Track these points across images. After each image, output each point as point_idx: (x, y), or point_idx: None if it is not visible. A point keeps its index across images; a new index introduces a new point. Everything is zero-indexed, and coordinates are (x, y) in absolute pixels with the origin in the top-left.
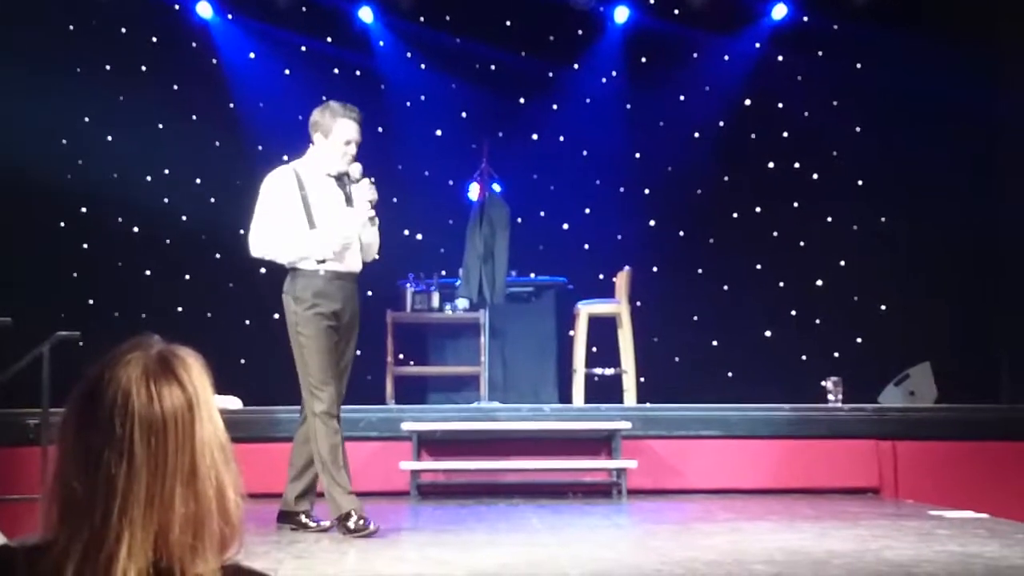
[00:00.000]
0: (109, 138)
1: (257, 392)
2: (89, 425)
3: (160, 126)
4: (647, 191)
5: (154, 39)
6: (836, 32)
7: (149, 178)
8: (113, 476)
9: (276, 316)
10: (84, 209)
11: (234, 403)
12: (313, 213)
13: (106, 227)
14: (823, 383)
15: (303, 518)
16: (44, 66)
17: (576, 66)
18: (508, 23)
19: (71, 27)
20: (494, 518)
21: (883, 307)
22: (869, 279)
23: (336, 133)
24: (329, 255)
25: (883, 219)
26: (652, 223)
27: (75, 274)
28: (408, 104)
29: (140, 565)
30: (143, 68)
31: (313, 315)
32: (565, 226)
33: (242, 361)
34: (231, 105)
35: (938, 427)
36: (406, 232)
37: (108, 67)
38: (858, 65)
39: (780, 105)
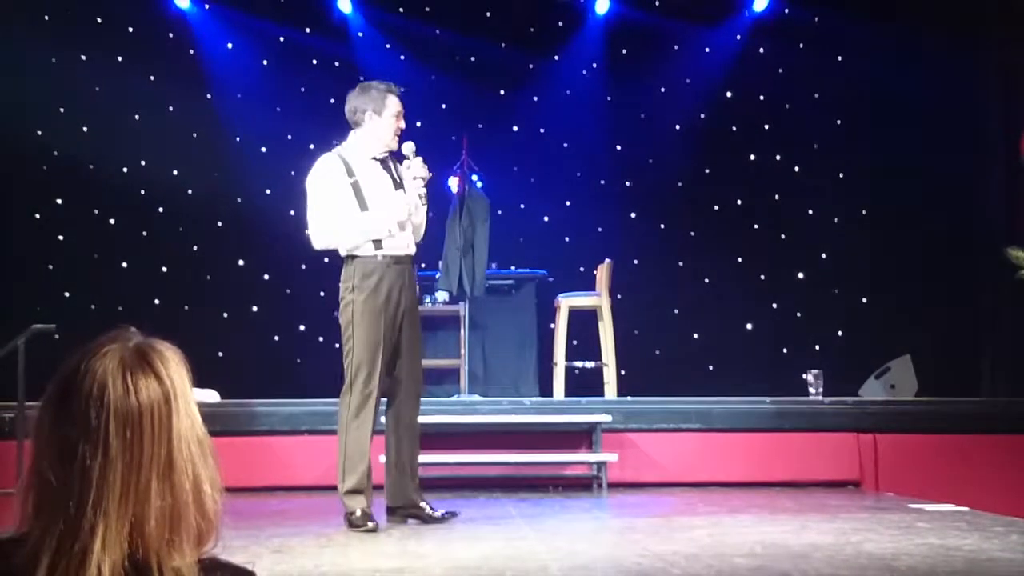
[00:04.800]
0: (85, 129)
1: (235, 385)
2: (65, 417)
3: (137, 117)
4: (628, 183)
5: (131, 29)
6: (817, 24)
7: (125, 169)
8: (88, 468)
9: (255, 308)
10: (60, 201)
11: (212, 396)
12: (365, 196)
13: (82, 219)
14: (804, 376)
15: (426, 509)
16: (19, 57)
17: (557, 58)
18: (488, 14)
19: (46, 17)
20: (474, 512)
21: (864, 300)
22: (850, 272)
23: (388, 109)
24: (384, 235)
25: (864, 211)
26: (633, 216)
27: (50, 266)
28: None
29: (115, 557)
30: (119, 59)
31: (370, 302)
32: (545, 219)
33: (220, 354)
34: (208, 96)
35: (918, 420)
36: None
37: (84, 57)
38: (839, 57)
39: (761, 97)
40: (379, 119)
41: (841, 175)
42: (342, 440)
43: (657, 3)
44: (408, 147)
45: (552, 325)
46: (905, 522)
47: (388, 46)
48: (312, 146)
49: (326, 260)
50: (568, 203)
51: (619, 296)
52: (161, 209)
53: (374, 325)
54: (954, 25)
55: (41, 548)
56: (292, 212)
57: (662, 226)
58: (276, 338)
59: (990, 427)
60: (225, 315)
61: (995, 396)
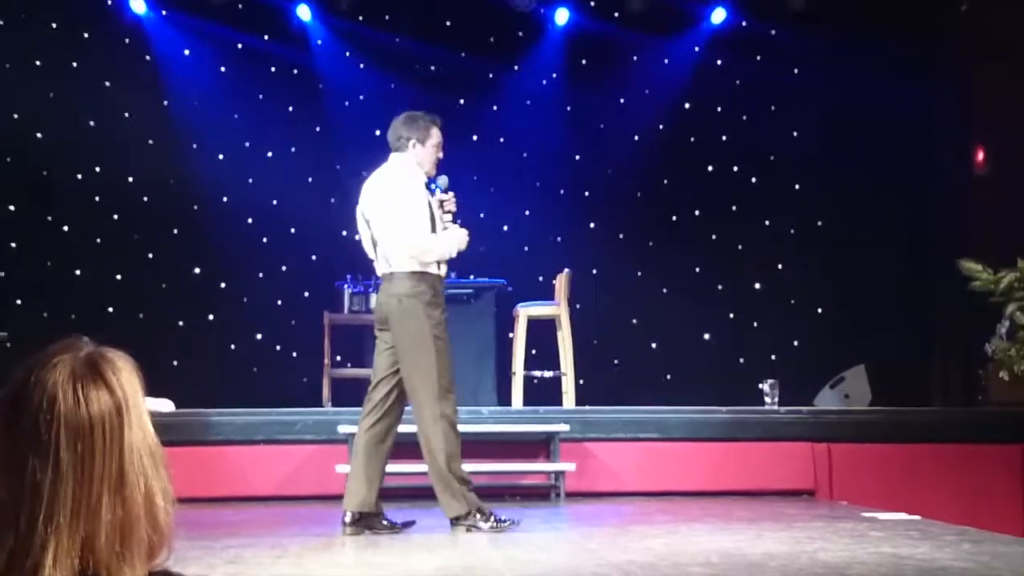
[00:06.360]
0: (39, 135)
1: (190, 394)
2: (14, 430)
3: (92, 123)
4: (587, 193)
5: (86, 35)
6: (774, 36)
7: (80, 176)
8: (38, 482)
9: (211, 317)
10: (12, 207)
11: (166, 406)
12: (436, 216)
13: (35, 225)
14: (760, 386)
15: (384, 520)
16: None
17: (516, 67)
18: (448, 23)
19: (1, 23)
20: (431, 521)
21: (819, 310)
22: (806, 282)
23: (432, 139)
24: (447, 257)
25: (820, 223)
26: (592, 225)
27: (2, 273)
28: (346, 104)
29: (66, 573)
30: (74, 64)
31: (444, 318)
32: (505, 228)
33: (175, 363)
34: (165, 103)
35: (872, 430)
36: (344, 233)
37: (38, 63)
38: (795, 69)
39: (719, 108)
40: (423, 148)
41: (797, 186)
42: (440, 457)
43: (616, 14)
44: (443, 180)
45: (511, 334)
46: (858, 531)
47: (348, 54)
48: (270, 154)
49: (284, 268)
50: (527, 212)
51: (578, 305)
52: (116, 216)
53: (448, 338)
54: (911, 38)
55: None
56: (250, 220)
57: (621, 236)
58: (233, 347)
59: (942, 436)
60: (181, 323)
61: (947, 406)
